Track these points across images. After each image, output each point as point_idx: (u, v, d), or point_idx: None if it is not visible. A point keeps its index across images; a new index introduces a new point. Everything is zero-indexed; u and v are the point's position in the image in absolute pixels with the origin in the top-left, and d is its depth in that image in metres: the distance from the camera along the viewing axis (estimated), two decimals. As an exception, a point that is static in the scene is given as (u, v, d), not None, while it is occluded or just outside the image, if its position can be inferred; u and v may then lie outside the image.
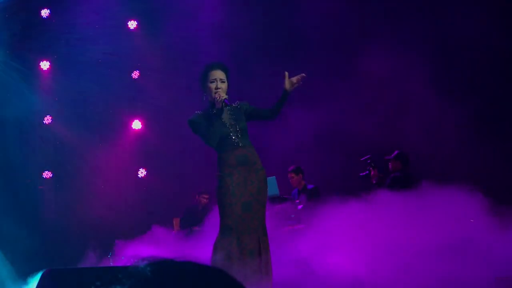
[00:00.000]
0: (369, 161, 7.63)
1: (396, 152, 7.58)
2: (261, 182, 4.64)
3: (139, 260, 1.35)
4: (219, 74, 4.69)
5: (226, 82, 4.69)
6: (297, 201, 8.03)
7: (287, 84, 4.71)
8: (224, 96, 4.58)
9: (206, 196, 9.42)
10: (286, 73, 4.73)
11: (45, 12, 9.85)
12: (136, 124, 10.50)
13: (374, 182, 7.62)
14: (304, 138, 9.15)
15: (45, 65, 9.90)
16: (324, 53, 9.35)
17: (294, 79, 4.71)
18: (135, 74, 10.44)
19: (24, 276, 7.61)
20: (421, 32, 8.78)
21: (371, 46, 8.73)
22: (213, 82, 4.65)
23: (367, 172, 7.66)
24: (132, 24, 10.35)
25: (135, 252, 6.77)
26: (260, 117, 4.84)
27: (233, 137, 4.61)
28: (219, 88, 4.63)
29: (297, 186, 8.38)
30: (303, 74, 4.70)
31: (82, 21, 9.78)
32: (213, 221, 5.29)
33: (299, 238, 5.96)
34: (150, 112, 10.49)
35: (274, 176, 7.89)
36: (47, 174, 9.88)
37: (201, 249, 5.83)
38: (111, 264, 7.41)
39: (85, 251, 7.89)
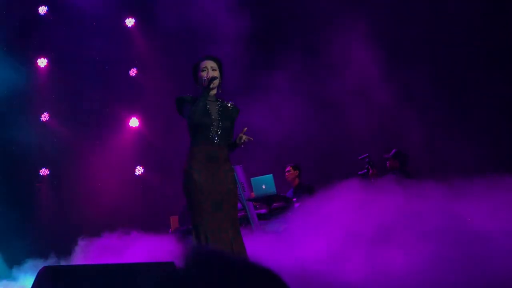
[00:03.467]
0: (367, 159, 7.60)
1: (394, 150, 7.55)
2: (230, 184, 4.47)
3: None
4: (210, 63, 4.60)
5: (218, 71, 4.60)
6: (294, 199, 8.02)
7: (238, 139, 4.54)
8: (213, 75, 4.51)
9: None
10: (245, 128, 4.55)
11: (42, 10, 9.85)
12: (134, 122, 10.47)
13: (372, 181, 7.60)
14: (302, 137, 9.13)
15: (42, 62, 9.89)
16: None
17: (244, 137, 4.52)
18: (133, 72, 10.42)
19: (19, 272, 7.62)
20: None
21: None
22: (204, 70, 4.57)
23: (366, 170, 7.63)
24: (129, 22, 10.34)
25: (132, 249, 6.75)
26: None
27: (212, 132, 4.47)
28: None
29: (290, 182, 8.37)
30: (250, 139, 4.54)
31: (79, 18, 9.77)
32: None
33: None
34: (147, 109, 10.47)
35: (271, 174, 7.87)
36: (44, 171, 9.85)
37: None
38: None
39: (81, 247, 7.85)
